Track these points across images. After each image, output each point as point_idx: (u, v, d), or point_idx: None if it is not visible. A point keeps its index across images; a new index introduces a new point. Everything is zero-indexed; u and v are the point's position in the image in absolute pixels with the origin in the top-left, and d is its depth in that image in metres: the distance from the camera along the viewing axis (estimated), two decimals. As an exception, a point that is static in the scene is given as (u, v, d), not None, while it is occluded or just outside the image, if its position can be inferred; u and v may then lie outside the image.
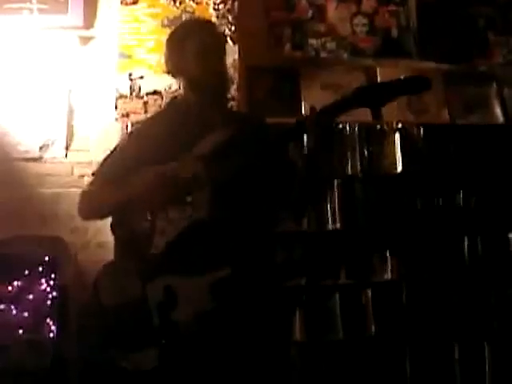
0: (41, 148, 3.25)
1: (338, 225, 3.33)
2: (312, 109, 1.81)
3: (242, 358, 1.82)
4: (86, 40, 3.37)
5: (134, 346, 1.79)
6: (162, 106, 3.07)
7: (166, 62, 2.05)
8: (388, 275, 3.36)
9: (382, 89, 1.76)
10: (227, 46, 3.33)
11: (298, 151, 1.88)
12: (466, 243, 3.43)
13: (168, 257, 1.80)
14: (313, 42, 3.59)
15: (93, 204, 2.00)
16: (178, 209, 1.81)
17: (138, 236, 1.85)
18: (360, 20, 3.67)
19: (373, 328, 3.29)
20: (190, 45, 1.97)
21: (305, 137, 1.86)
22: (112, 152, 2.04)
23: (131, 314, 1.81)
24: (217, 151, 1.82)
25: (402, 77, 1.77)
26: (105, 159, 2.03)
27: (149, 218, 1.84)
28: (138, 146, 1.98)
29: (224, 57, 2.04)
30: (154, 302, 1.79)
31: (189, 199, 1.82)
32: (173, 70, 2.03)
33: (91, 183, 2.04)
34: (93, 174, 2.03)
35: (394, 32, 3.70)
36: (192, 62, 1.95)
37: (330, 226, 3.34)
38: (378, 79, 3.53)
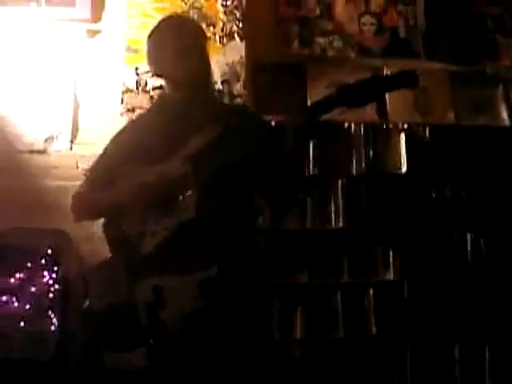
0: (46, 140, 3.25)
1: (342, 224, 3.33)
2: (295, 108, 1.79)
3: (230, 356, 1.81)
4: (93, 33, 3.37)
5: (124, 346, 1.79)
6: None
7: (148, 63, 2.01)
8: (390, 275, 3.35)
9: (368, 86, 1.67)
10: (234, 43, 3.39)
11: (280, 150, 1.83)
12: (469, 244, 3.43)
13: (157, 257, 1.80)
14: (320, 39, 3.58)
15: (84, 206, 2.01)
16: (168, 210, 1.81)
17: (127, 237, 1.85)
18: (368, 19, 3.66)
19: (374, 327, 3.29)
20: (167, 46, 1.93)
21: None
22: (103, 152, 2.02)
23: (120, 315, 1.81)
24: (204, 151, 1.80)
25: (388, 72, 1.71)
26: (95, 161, 2.03)
27: (139, 219, 1.84)
28: (127, 146, 1.96)
29: (205, 53, 1.98)
30: (142, 302, 1.78)
31: (178, 200, 1.82)
32: (155, 70, 2.00)
33: (82, 185, 2.03)
34: (84, 175, 2.04)
35: (402, 32, 3.69)
36: (170, 64, 1.92)
37: (334, 225, 3.34)
38: (385, 79, 3.51)
